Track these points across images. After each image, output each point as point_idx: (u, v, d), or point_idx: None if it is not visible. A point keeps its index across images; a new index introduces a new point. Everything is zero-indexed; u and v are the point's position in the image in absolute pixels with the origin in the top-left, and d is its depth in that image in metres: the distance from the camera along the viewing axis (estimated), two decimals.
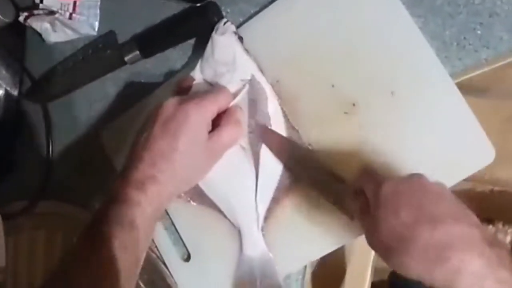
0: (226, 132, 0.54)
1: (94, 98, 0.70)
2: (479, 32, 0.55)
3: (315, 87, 0.57)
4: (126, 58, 0.65)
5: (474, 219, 0.43)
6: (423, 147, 0.54)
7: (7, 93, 0.72)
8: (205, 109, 0.52)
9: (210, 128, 0.54)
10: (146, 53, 0.65)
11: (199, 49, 0.63)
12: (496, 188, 0.91)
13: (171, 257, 0.66)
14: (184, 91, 0.59)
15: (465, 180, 0.54)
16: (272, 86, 0.59)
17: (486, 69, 0.57)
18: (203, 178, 0.57)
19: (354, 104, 0.56)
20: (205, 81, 0.59)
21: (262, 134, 0.58)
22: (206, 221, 0.63)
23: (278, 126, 0.59)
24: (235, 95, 0.57)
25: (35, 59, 0.73)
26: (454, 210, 0.43)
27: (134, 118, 0.66)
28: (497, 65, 0.56)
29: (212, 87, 0.58)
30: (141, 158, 0.50)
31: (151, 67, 0.67)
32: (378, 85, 0.55)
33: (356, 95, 0.56)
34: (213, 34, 0.58)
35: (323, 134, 0.57)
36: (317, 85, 0.57)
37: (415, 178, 0.45)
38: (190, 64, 0.64)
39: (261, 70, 0.59)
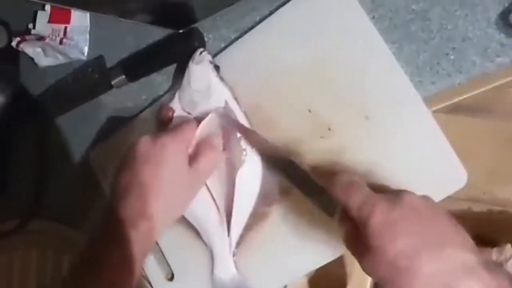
0: (204, 159, 0.56)
1: (83, 120, 0.72)
2: (452, 57, 0.55)
3: (292, 112, 0.59)
4: (112, 82, 0.67)
5: (470, 241, 0.42)
6: (397, 171, 0.54)
7: (0, 115, 0.74)
8: (179, 139, 0.54)
9: (187, 158, 0.55)
10: (132, 77, 0.67)
11: (181, 74, 0.65)
12: (496, 208, 0.90)
13: (155, 276, 0.67)
14: (166, 123, 0.61)
15: (462, 199, 0.53)
16: (252, 110, 0.60)
17: (487, 87, 0.57)
18: None
19: (329, 128, 0.57)
20: (184, 110, 0.61)
21: (244, 134, 0.59)
22: (189, 241, 0.64)
23: (250, 153, 0.60)
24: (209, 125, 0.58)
25: (28, 82, 0.76)
26: (451, 233, 0.43)
27: (121, 141, 0.68)
28: (497, 83, 0.57)
29: (183, 121, 0.59)
30: (129, 194, 0.51)
31: (137, 91, 0.69)
32: (352, 110, 0.56)
33: (332, 119, 0.57)
34: (190, 63, 0.60)
35: (301, 158, 0.58)
36: (294, 109, 0.59)
37: (405, 201, 0.43)
38: (174, 87, 0.66)
39: (236, 98, 0.60)
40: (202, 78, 0.60)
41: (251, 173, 0.60)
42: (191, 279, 0.65)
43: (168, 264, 0.66)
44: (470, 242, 0.42)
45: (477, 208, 0.90)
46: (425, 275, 0.40)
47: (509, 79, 0.55)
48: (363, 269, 0.44)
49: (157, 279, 0.67)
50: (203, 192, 0.60)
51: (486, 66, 0.54)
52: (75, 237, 0.73)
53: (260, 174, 0.60)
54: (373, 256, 0.42)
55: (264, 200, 0.60)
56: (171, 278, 0.66)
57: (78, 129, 0.73)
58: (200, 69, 0.59)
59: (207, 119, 0.58)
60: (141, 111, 0.68)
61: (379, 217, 0.42)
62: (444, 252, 0.40)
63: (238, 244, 0.61)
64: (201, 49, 0.60)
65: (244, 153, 0.60)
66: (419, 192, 0.52)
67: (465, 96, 0.57)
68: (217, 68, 0.60)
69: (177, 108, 0.61)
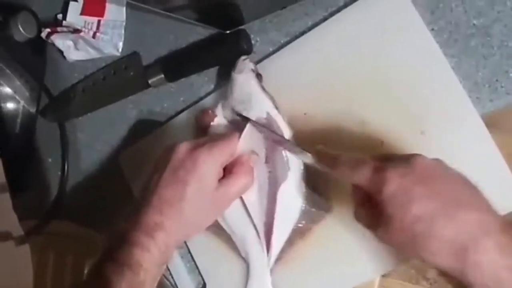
0: (236, 182, 0.54)
1: (114, 119, 0.69)
2: (511, 74, 0.54)
3: (343, 123, 0.57)
4: (150, 81, 0.64)
5: (487, 202, 0.42)
6: None
7: (24, 110, 0.71)
8: (216, 157, 0.51)
9: (221, 175, 0.53)
10: (171, 77, 0.64)
11: (226, 78, 0.63)
12: None
13: (186, 286, 0.64)
14: (205, 127, 0.59)
15: None
16: (298, 120, 0.58)
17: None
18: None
19: (382, 142, 0.55)
20: (225, 118, 0.59)
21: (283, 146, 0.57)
22: (222, 251, 0.62)
23: (295, 167, 0.57)
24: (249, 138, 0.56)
25: (54, 76, 0.72)
26: (467, 194, 0.42)
27: (154, 143, 0.66)
28: None
29: (225, 134, 0.56)
30: (150, 203, 0.50)
31: (175, 92, 0.66)
32: (408, 124, 0.55)
33: (385, 133, 0.55)
34: (232, 72, 0.57)
35: None
36: (345, 121, 0.57)
37: (418, 165, 0.43)
38: (215, 91, 0.63)
39: (277, 108, 0.58)
40: (244, 87, 0.57)
41: (294, 188, 0.57)
42: None
43: (200, 274, 0.63)
44: (487, 203, 0.42)
45: None
46: (442, 238, 0.40)
47: None
48: (379, 239, 0.45)
49: None
50: (242, 206, 0.58)
51: None
52: (98, 240, 0.70)
53: (303, 189, 0.57)
54: (389, 224, 0.42)
55: (306, 217, 0.58)
56: (203, 287, 0.63)
57: (108, 128, 0.70)
58: (242, 78, 0.57)
59: (245, 132, 0.55)
60: (177, 113, 0.66)
61: (392, 183, 0.42)
62: (460, 214, 0.40)
63: (278, 260, 0.59)
64: (244, 57, 0.58)
65: (287, 167, 0.57)
66: None
67: None
68: (259, 76, 0.58)
69: (219, 114, 0.59)
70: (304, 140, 0.58)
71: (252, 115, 0.57)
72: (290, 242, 0.58)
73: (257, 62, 0.61)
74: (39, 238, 0.72)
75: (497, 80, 0.55)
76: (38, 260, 0.72)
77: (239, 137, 0.55)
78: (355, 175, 0.46)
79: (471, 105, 0.53)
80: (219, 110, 0.59)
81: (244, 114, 0.57)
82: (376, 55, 0.56)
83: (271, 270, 0.59)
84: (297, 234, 0.58)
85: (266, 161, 0.57)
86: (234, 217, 0.59)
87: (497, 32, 0.54)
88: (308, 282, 0.58)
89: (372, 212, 0.45)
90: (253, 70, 0.58)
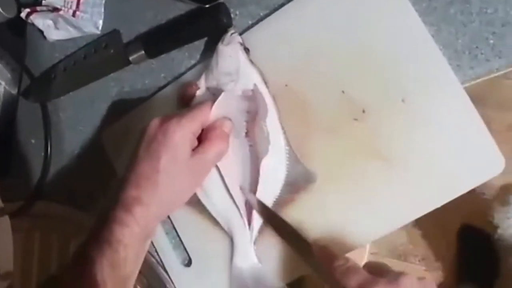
0: (209, 148, 0.53)
1: (95, 98, 0.69)
2: (491, 41, 0.54)
3: (324, 93, 0.57)
4: (130, 58, 0.64)
5: None
6: (432, 155, 0.54)
7: (5, 91, 0.70)
8: (185, 126, 0.52)
9: (194, 144, 0.53)
10: (151, 53, 0.64)
11: (206, 51, 0.63)
12: None
13: (171, 262, 0.64)
14: (187, 99, 0.59)
15: None
16: (280, 91, 0.58)
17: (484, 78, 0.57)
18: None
19: (364, 111, 0.55)
20: (208, 90, 0.58)
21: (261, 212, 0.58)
22: (207, 227, 0.62)
23: (276, 141, 0.57)
24: (223, 106, 0.56)
25: (35, 57, 0.71)
26: None
27: (136, 120, 0.65)
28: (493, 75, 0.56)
29: (197, 103, 0.57)
30: (127, 180, 0.51)
31: (156, 68, 0.65)
32: (389, 92, 0.55)
33: (367, 101, 0.55)
34: (219, 44, 0.57)
35: (332, 140, 0.56)
36: (326, 90, 0.57)
37: (404, 285, 0.44)
38: (196, 66, 0.63)
39: (265, 82, 0.58)
40: (231, 60, 0.57)
41: (276, 161, 0.57)
42: (209, 265, 0.62)
43: (185, 250, 0.63)
44: None
45: None
46: None
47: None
48: None
49: (173, 265, 0.64)
50: (223, 182, 0.58)
51: None
52: (83, 220, 0.69)
53: (285, 162, 0.58)
54: None
55: (289, 188, 0.58)
56: (188, 263, 0.63)
57: (89, 106, 0.69)
58: (229, 51, 0.57)
59: (219, 99, 0.55)
60: (159, 89, 0.65)
61: None
62: None
63: (260, 232, 0.59)
64: (232, 30, 0.58)
65: (268, 141, 0.57)
66: (454, 175, 0.53)
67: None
68: (247, 50, 0.58)
69: (202, 86, 0.58)
70: (287, 112, 0.58)
71: (239, 87, 0.57)
72: None
73: None
74: (24, 220, 0.71)
75: (477, 47, 0.55)
76: (24, 241, 0.72)
77: (212, 105, 0.55)
78: (345, 280, 0.47)
79: (451, 72, 0.53)
80: (201, 82, 0.59)
81: (231, 85, 0.57)
82: (355, 25, 0.56)
83: (255, 242, 0.59)
84: (280, 205, 0.58)
85: (247, 135, 0.57)
86: (215, 193, 0.59)
87: None
88: (293, 252, 0.58)
89: None
90: (240, 43, 0.58)
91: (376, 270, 0.48)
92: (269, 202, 0.58)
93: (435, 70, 0.54)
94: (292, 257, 0.58)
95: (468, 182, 0.53)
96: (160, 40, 0.63)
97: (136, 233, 0.50)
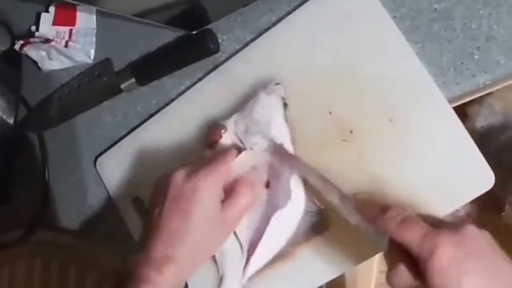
0: (239, 201, 0.53)
1: (90, 126, 0.70)
2: (476, 56, 0.54)
3: (312, 114, 0.57)
4: (122, 86, 0.65)
5: None
6: (422, 173, 0.53)
7: (2, 122, 0.71)
8: (214, 180, 0.51)
9: (222, 197, 0.52)
10: (142, 80, 0.65)
11: (194, 77, 0.64)
12: None
13: None
14: (213, 141, 0.57)
15: None
16: None
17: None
18: None
19: (352, 131, 0.56)
20: (236, 134, 0.56)
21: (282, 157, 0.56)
22: None
23: (296, 198, 0.56)
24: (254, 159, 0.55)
25: (31, 87, 0.73)
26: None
27: (130, 146, 0.66)
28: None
29: (220, 153, 0.55)
30: (156, 237, 0.50)
31: (147, 95, 0.66)
32: (376, 112, 0.55)
33: (354, 122, 0.55)
34: (261, 91, 0.56)
35: (321, 161, 0.56)
36: (314, 111, 0.57)
37: (469, 236, 0.41)
38: (186, 92, 0.64)
39: (293, 142, 0.57)
40: (268, 110, 0.56)
41: (291, 217, 0.56)
42: None
43: None
44: None
45: None
46: None
47: None
48: None
49: None
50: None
51: (510, 65, 0.54)
52: (82, 247, 0.70)
53: (299, 219, 0.56)
54: None
55: (293, 241, 0.57)
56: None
57: (84, 135, 0.70)
58: (269, 101, 0.56)
59: (242, 154, 0.55)
60: (150, 116, 0.66)
61: (443, 254, 0.40)
62: None
63: (250, 278, 0.58)
64: (278, 81, 0.57)
65: (290, 196, 0.55)
66: (445, 192, 0.52)
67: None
68: (285, 106, 0.57)
69: (230, 129, 0.57)
70: None
71: (266, 140, 0.56)
72: (269, 264, 0.58)
73: (224, 61, 0.62)
74: (25, 248, 0.72)
75: (462, 63, 0.55)
76: (25, 269, 0.73)
77: (236, 155, 0.54)
78: (403, 233, 0.43)
79: (437, 89, 0.53)
80: (230, 124, 0.57)
81: (258, 137, 0.56)
82: (341, 46, 0.56)
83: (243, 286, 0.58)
84: (279, 258, 0.57)
85: (267, 186, 0.56)
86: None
87: (459, 14, 0.54)
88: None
89: (412, 275, 0.42)
90: (282, 98, 0.56)
91: (434, 221, 0.44)
92: (270, 254, 0.57)
93: (421, 88, 0.54)
94: None
95: (458, 198, 0.53)
96: (150, 67, 0.65)
97: None
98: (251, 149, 0.55)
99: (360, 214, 0.49)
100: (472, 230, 0.42)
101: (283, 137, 0.56)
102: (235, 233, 0.57)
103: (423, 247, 0.41)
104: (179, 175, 0.51)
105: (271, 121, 0.56)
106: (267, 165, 0.56)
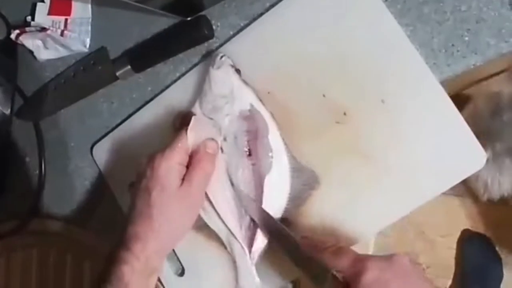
0: (194, 173, 0.54)
1: (86, 114, 0.70)
2: (466, 38, 0.55)
3: (306, 98, 0.58)
4: (117, 73, 0.65)
5: None
6: (415, 153, 0.54)
7: None
8: (168, 158, 0.53)
9: (183, 172, 0.54)
10: (138, 68, 0.65)
11: (189, 63, 0.64)
12: None
13: (165, 271, 0.65)
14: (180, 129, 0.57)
15: None
16: (263, 98, 0.59)
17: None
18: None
19: (345, 113, 0.56)
20: (204, 115, 0.58)
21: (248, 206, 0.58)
22: (200, 237, 0.62)
23: (279, 155, 0.58)
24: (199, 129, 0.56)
25: (27, 77, 0.73)
26: None
27: (126, 133, 0.66)
28: None
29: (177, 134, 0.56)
30: (127, 219, 0.53)
31: (143, 82, 0.67)
32: (368, 94, 0.56)
33: (347, 104, 0.56)
34: (210, 68, 0.58)
35: (316, 144, 0.57)
36: (308, 95, 0.58)
37: (397, 262, 0.45)
38: (181, 78, 0.64)
39: (261, 100, 0.58)
40: (224, 82, 0.58)
41: (280, 175, 0.58)
42: (201, 275, 0.63)
43: (178, 259, 0.64)
44: None
45: None
46: None
47: None
48: None
49: (166, 274, 0.64)
50: (227, 201, 0.58)
51: (500, 46, 0.54)
52: (80, 235, 0.70)
53: (288, 174, 0.58)
54: None
55: (295, 198, 0.58)
56: (181, 273, 0.64)
57: (81, 122, 0.70)
58: (221, 74, 0.58)
59: (191, 124, 0.55)
60: (146, 103, 0.66)
61: (371, 274, 0.44)
62: None
63: (262, 254, 0.59)
64: (221, 54, 0.58)
65: (271, 155, 0.57)
66: (437, 172, 0.54)
67: None
68: (238, 71, 0.58)
69: (198, 113, 0.58)
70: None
71: (235, 108, 0.58)
72: None
73: (218, 47, 0.62)
74: (22, 237, 0.73)
75: (452, 45, 0.56)
76: (22, 258, 0.73)
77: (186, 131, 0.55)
78: (337, 261, 0.47)
79: (429, 71, 0.54)
80: (196, 108, 0.58)
81: (227, 107, 0.57)
82: (333, 31, 0.57)
83: (260, 256, 0.59)
84: (287, 225, 0.57)
85: (249, 154, 0.58)
86: (216, 214, 0.59)
87: None
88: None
89: None
90: (231, 65, 0.58)
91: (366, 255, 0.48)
92: (276, 215, 0.58)
93: (413, 69, 0.55)
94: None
95: (451, 177, 0.54)
96: (145, 54, 0.65)
97: (137, 270, 0.50)
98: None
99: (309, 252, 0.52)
100: (402, 258, 0.46)
101: (249, 99, 0.58)
102: (223, 223, 0.58)
103: (352, 271, 0.45)
104: (144, 158, 0.54)
105: (232, 90, 0.58)
106: (245, 132, 0.58)
